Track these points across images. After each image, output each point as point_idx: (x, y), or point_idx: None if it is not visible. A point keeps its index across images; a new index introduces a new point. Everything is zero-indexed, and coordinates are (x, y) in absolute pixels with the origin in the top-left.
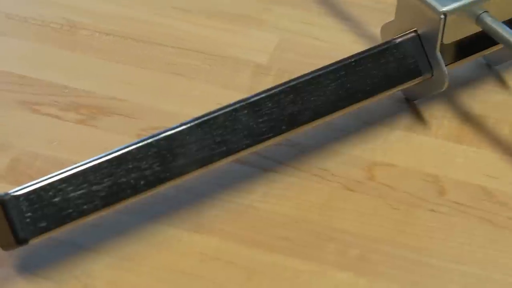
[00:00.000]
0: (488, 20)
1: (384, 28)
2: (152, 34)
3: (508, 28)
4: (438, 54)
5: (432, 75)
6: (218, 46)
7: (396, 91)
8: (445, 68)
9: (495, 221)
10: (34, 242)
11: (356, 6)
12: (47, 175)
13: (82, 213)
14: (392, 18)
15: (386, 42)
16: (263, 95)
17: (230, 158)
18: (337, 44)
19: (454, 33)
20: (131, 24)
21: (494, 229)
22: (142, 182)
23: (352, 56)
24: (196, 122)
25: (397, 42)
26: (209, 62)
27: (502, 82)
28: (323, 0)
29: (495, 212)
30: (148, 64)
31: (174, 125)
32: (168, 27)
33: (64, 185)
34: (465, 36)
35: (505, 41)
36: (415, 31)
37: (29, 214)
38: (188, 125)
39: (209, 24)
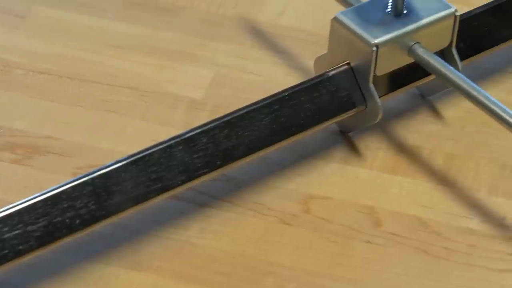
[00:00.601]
0: (420, 51)
1: (317, 61)
2: (87, 72)
3: (440, 59)
4: (371, 86)
5: (366, 107)
6: (153, 83)
7: (331, 124)
8: (378, 100)
9: (430, 251)
10: None
11: (290, 39)
12: None
13: (18, 254)
14: (325, 50)
15: (319, 75)
16: (197, 131)
17: (165, 195)
18: (271, 78)
19: (386, 65)
20: (66, 62)
21: (429, 259)
22: (77, 221)
23: (286, 90)
24: (131, 159)
25: (330, 75)
26: (145, 99)
27: (435, 112)
28: (257, 34)
29: (430, 242)
30: (83, 102)
31: (109, 163)
32: (103, 65)
33: None
34: (398, 67)
35: (437, 72)
36: (348, 63)
37: None
38: (123, 162)
39: (143, 61)
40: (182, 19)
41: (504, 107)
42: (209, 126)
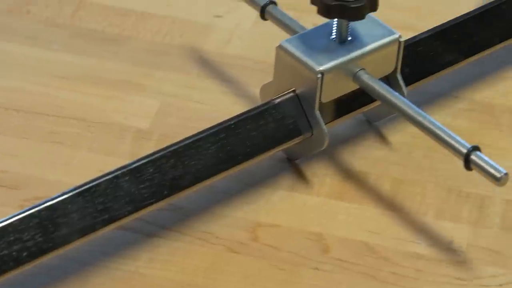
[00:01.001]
0: (365, 77)
1: (263, 89)
2: (34, 104)
3: (385, 85)
4: (317, 113)
5: (312, 134)
6: (100, 113)
7: (277, 152)
8: (324, 127)
9: (378, 277)
10: None
11: (236, 67)
12: None
13: None
14: (271, 78)
15: (265, 103)
16: (144, 161)
17: (113, 226)
18: (218, 106)
19: (332, 92)
20: (12, 94)
21: (377, 284)
22: (24, 254)
23: (232, 119)
24: (77, 190)
25: (276, 102)
26: (91, 130)
27: (382, 138)
28: (203, 63)
29: (378, 267)
30: (30, 134)
31: (56, 195)
32: (49, 96)
33: None
34: (343, 94)
35: (382, 98)
36: (293, 91)
37: None
38: (69, 194)
39: (90, 92)
40: (128, 49)
41: (449, 132)
42: (155, 156)
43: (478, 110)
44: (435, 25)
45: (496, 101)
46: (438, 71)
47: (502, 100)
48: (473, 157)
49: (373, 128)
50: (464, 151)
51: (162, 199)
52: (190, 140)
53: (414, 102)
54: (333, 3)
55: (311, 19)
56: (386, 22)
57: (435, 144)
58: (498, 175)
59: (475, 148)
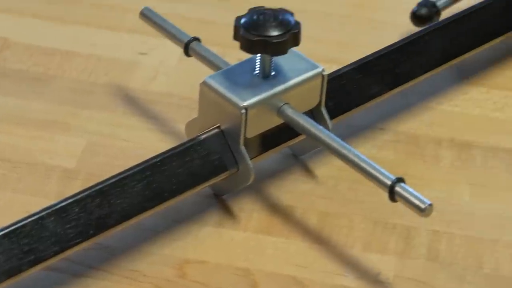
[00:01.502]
0: (289, 112)
1: (189, 125)
2: None
3: (309, 119)
4: (242, 148)
5: (238, 170)
6: (25, 153)
7: (204, 188)
8: (250, 162)
9: None
10: None
11: (162, 104)
12: None
13: None
14: (197, 114)
15: (191, 140)
16: (69, 201)
17: (39, 267)
18: (144, 144)
19: (257, 127)
20: None
21: None
22: None
23: (158, 156)
24: (2, 232)
25: (201, 138)
26: (17, 170)
27: (308, 171)
28: (129, 101)
29: None
30: None
31: None
32: None
33: None
34: (268, 128)
35: (306, 132)
36: (218, 127)
37: None
38: None
39: (15, 132)
40: (53, 89)
41: (374, 164)
42: (80, 195)
43: (403, 141)
44: (359, 58)
45: (420, 131)
46: (363, 103)
47: (426, 130)
48: (397, 188)
49: (299, 161)
50: (389, 183)
51: (89, 238)
52: (116, 179)
53: (340, 135)
54: (255, 39)
55: (236, 54)
56: (310, 55)
57: (360, 176)
58: (422, 206)
59: (400, 180)
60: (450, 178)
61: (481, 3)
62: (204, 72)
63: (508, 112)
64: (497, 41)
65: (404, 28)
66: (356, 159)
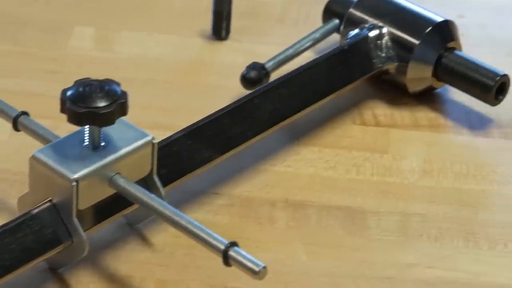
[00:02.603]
0: (121, 181)
1: (21, 200)
2: None
3: (140, 188)
4: (75, 220)
5: (73, 242)
6: None
7: (39, 263)
8: (83, 234)
9: None
10: None
11: None
12: None
13: None
14: None
15: (22, 215)
16: None
17: None
18: None
19: (89, 198)
20: None
21: None
22: None
23: None
24: None
25: (33, 213)
26: None
27: (144, 240)
28: None
29: None
30: None
31: None
32: None
33: None
34: (101, 199)
35: (139, 201)
36: (50, 200)
37: None
38: None
39: None
40: None
41: (207, 230)
42: None
43: (237, 204)
44: (190, 123)
45: (254, 194)
46: (196, 169)
47: (260, 192)
48: (231, 253)
49: (135, 230)
50: (222, 247)
51: None
52: None
53: (174, 201)
54: (82, 111)
55: (67, 126)
56: (141, 123)
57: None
58: (256, 269)
59: (233, 244)
60: (285, 239)
61: (308, 63)
62: (35, 146)
63: (340, 170)
64: (326, 100)
65: (235, 91)
66: (189, 226)
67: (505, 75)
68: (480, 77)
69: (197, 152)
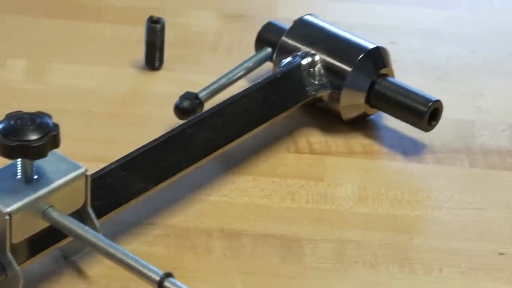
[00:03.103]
0: (54, 214)
1: None
2: None
3: (74, 220)
4: (9, 254)
5: (7, 276)
6: None
7: None
8: (17, 268)
9: None
10: None
11: None
12: None
13: None
14: None
15: None
16: None
17: None
18: None
19: (23, 231)
20: None
21: None
22: None
23: None
24: None
25: None
26: None
27: (80, 272)
28: None
29: None
30: None
31: None
32: None
33: None
34: (36, 232)
35: (73, 233)
36: None
37: None
38: None
39: None
40: None
41: (142, 261)
42: None
43: (173, 235)
44: (124, 154)
45: (190, 224)
46: (130, 200)
47: (196, 222)
48: (166, 284)
49: (70, 263)
50: (157, 278)
51: None
52: None
53: (110, 233)
54: (14, 144)
55: (0, 160)
56: (74, 155)
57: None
58: None
59: (168, 275)
60: (222, 269)
61: (241, 92)
62: None
63: (275, 198)
64: (260, 129)
65: (170, 121)
66: (124, 258)
67: (438, 101)
68: (413, 103)
69: (132, 183)
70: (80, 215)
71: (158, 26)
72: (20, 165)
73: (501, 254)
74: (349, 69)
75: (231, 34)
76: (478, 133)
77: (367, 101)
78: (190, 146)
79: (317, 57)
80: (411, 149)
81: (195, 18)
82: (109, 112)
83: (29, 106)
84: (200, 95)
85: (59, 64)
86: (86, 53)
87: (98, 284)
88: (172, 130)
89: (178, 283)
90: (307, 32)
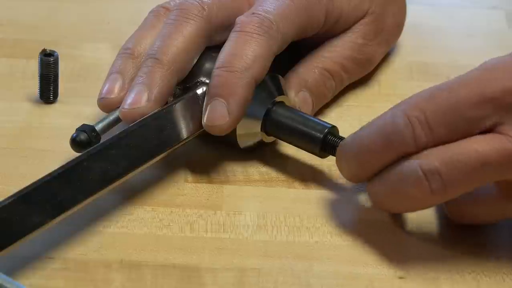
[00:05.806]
0: None
1: None
2: None
3: None
4: None
5: None
6: None
7: None
8: None
9: None
10: None
11: None
12: None
13: None
14: None
15: None
16: None
17: None
18: None
19: None
20: None
21: None
22: None
23: None
24: None
25: None
26: None
27: None
28: None
29: None
30: None
31: None
32: None
33: None
34: None
35: None
36: None
37: None
38: None
39: None
40: None
41: None
42: None
43: (72, 268)
44: (19, 189)
45: (89, 256)
46: (26, 234)
47: (95, 255)
48: None
49: None
50: None
51: None
52: None
53: (6, 268)
54: None
55: None
56: None
57: None
58: None
59: None
60: None
61: (137, 123)
62: None
63: (174, 229)
64: (157, 159)
65: (66, 154)
66: None
67: (334, 127)
68: (308, 130)
69: (28, 218)
70: None
71: (52, 59)
72: None
73: (400, 278)
74: None
75: None
76: None
77: (263, 129)
78: (87, 178)
79: None
80: (309, 176)
81: (90, 50)
82: (3, 146)
83: None
84: (97, 127)
85: None
86: None
87: None
88: (68, 163)
89: None
90: (201, 61)
